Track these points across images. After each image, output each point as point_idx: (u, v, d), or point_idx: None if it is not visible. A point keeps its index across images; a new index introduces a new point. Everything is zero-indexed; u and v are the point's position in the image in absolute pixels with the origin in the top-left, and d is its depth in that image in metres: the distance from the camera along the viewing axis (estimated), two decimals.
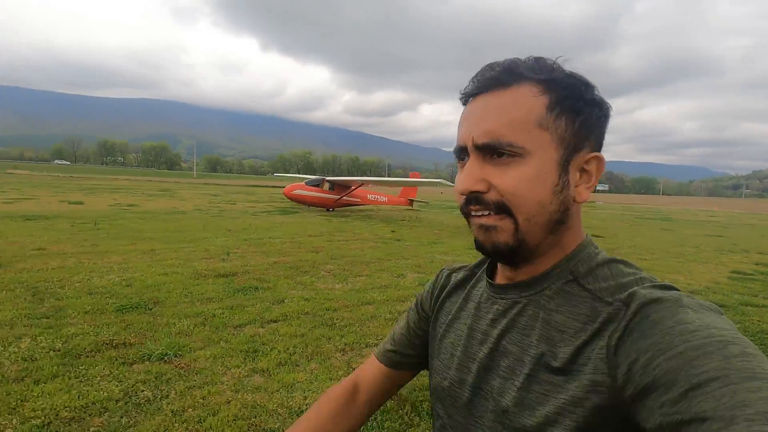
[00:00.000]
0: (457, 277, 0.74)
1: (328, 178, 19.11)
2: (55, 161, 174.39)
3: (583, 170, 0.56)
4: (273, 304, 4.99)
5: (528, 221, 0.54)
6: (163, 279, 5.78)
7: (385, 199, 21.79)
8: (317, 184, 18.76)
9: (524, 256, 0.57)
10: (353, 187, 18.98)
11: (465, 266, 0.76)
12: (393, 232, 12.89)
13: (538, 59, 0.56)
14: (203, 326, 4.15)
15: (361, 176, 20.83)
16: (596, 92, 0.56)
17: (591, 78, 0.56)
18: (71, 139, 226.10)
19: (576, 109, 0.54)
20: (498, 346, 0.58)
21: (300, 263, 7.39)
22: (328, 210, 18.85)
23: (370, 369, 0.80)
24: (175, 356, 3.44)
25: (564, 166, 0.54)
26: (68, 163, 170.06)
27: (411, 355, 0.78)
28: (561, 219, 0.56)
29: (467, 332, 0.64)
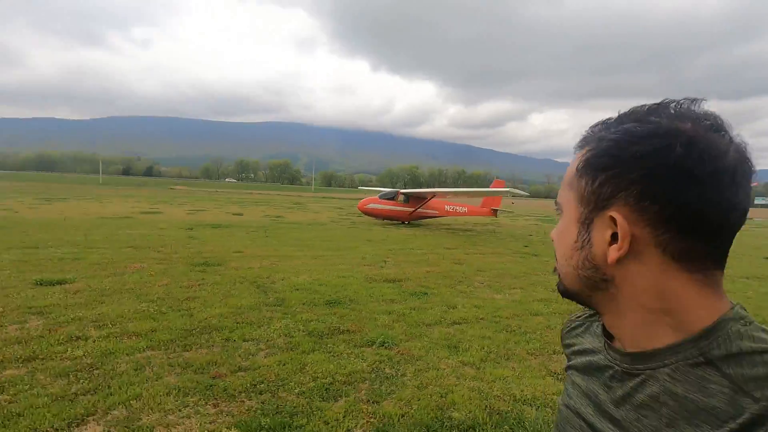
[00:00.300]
0: (575, 333, 0.71)
1: (402, 191, 19.05)
2: (226, 179, 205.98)
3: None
4: (448, 308, 5.53)
5: (560, 269, 0.59)
6: (343, 281, 6.75)
7: (464, 209, 20.90)
8: (392, 197, 18.64)
9: (580, 301, 0.59)
10: (428, 199, 18.62)
11: (581, 316, 0.72)
12: (526, 247, 12.80)
13: (647, 111, 0.51)
14: (400, 322, 4.84)
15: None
16: (656, 143, 0.47)
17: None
18: (216, 160, 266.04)
19: (598, 166, 0.52)
20: (615, 421, 0.54)
21: (451, 273, 7.91)
22: (403, 223, 18.55)
23: None
24: (393, 344, 4.13)
25: (585, 224, 0.54)
26: (235, 180, 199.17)
27: None
28: (595, 276, 0.53)
29: (584, 400, 0.61)
